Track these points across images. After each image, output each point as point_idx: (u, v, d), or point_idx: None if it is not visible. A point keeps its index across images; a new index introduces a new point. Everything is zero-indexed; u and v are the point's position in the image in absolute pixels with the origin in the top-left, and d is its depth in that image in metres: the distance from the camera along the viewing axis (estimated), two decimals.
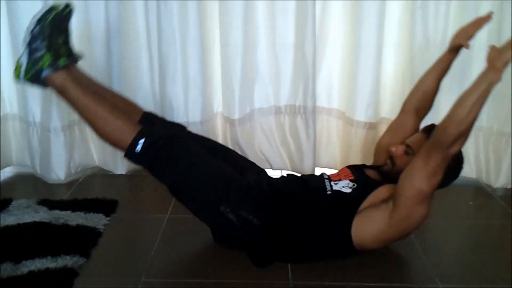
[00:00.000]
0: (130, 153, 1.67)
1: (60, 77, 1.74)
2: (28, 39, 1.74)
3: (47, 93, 2.23)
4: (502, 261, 1.75)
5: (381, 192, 1.66)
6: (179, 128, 1.93)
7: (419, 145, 1.66)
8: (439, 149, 1.48)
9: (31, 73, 1.74)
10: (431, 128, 1.70)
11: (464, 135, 1.46)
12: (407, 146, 1.72)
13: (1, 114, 2.37)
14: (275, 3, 2.22)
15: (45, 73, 1.74)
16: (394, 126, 1.99)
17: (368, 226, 1.60)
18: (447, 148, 1.47)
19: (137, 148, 1.65)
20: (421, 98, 1.93)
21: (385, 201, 1.62)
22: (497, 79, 1.43)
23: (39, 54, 1.73)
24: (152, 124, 1.86)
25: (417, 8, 2.17)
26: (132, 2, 2.24)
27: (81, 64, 2.30)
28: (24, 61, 1.75)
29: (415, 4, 2.17)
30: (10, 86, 2.36)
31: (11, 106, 2.40)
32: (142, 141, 1.65)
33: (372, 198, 1.65)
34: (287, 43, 2.27)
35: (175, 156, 1.67)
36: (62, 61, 1.76)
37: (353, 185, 1.71)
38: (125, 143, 1.66)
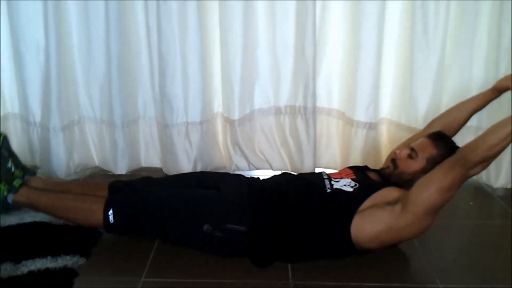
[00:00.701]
0: (107, 227, 1.75)
1: (23, 195, 1.86)
2: None
3: (47, 93, 2.24)
4: (502, 261, 1.75)
5: (385, 193, 1.66)
6: (144, 181, 1.97)
7: (423, 149, 1.68)
8: (462, 166, 1.52)
9: (0, 206, 1.84)
10: (437, 135, 1.74)
11: (489, 160, 1.53)
12: (412, 149, 1.74)
13: (2, 114, 2.37)
14: (275, 3, 2.22)
15: (10, 199, 1.84)
16: (414, 139, 1.99)
17: (369, 225, 1.60)
18: (470, 168, 1.52)
19: (110, 219, 1.72)
20: (450, 123, 1.96)
21: (390, 203, 1.61)
22: None
23: None
24: (118, 190, 1.92)
25: (417, 8, 2.17)
26: (132, 2, 2.24)
27: (81, 64, 2.32)
28: None
29: (415, 4, 2.17)
30: (10, 86, 2.36)
31: (11, 105, 2.41)
32: (111, 211, 1.72)
33: (374, 199, 1.65)
34: (287, 43, 2.27)
35: (145, 206, 1.74)
36: (17, 182, 1.87)
37: (355, 184, 1.72)
38: (100, 220, 1.74)
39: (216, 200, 1.75)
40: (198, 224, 1.67)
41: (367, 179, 1.80)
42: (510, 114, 2.20)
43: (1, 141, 1.90)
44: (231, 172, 2.42)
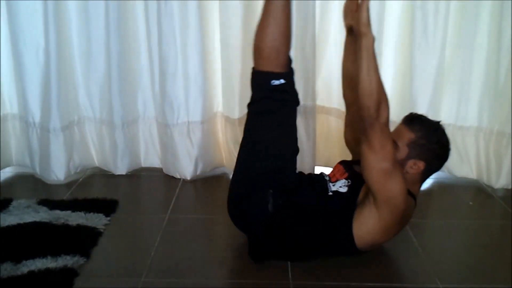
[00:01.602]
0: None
1: None
2: None
3: (47, 94, 2.24)
4: (502, 261, 1.75)
5: (363, 189, 1.66)
6: None
7: (400, 138, 1.66)
8: (371, 126, 1.51)
9: None
10: (409, 118, 1.70)
11: (381, 101, 1.51)
12: None
13: (1, 114, 2.36)
14: None
15: None
16: (347, 122, 2.00)
17: (365, 224, 1.60)
18: (376, 119, 1.51)
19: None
20: (352, 82, 1.87)
21: (366, 197, 1.62)
22: (371, 40, 1.53)
23: None
24: None
25: (417, 8, 2.17)
26: (132, 2, 2.24)
27: (81, 65, 2.31)
28: None
29: (415, 4, 2.17)
30: (10, 86, 2.36)
31: (11, 106, 2.40)
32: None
33: (361, 194, 1.65)
34: None
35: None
36: None
37: (348, 182, 1.72)
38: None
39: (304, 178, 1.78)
40: (272, 181, 1.69)
41: (355, 174, 1.78)
42: (511, 114, 2.22)
43: None
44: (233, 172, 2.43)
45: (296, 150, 1.79)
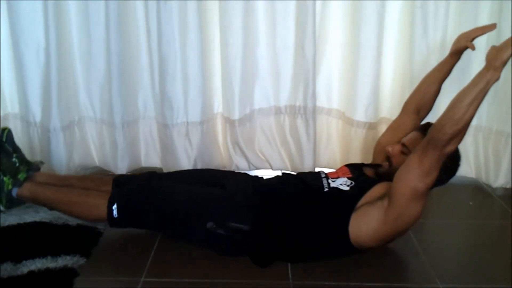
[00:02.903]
0: (111, 222, 1.75)
1: (26, 189, 1.85)
2: None
3: (47, 93, 2.24)
4: (502, 261, 1.75)
5: (377, 189, 1.66)
6: (149, 176, 1.98)
7: (415, 144, 1.66)
8: (435, 148, 1.48)
9: (5, 200, 1.83)
10: (427, 126, 1.70)
11: (460, 134, 1.46)
12: (403, 145, 1.72)
13: (2, 114, 2.37)
14: (275, 3, 2.22)
15: (14, 193, 1.84)
16: (394, 126, 2.00)
17: (365, 223, 1.61)
18: (443, 147, 1.47)
19: (114, 214, 1.73)
20: (422, 99, 1.94)
21: (380, 198, 1.62)
22: (496, 78, 1.43)
23: None
24: (123, 185, 1.91)
25: (417, 8, 2.17)
26: (132, 2, 2.24)
27: (81, 65, 2.32)
28: None
29: (415, 4, 2.17)
30: (10, 86, 2.36)
31: (12, 106, 2.41)
32: (115, 206, 1.73)
33: (368, 196, 1.65)
34: (287, 43, 2.27)
35: (149, 201, 1.74)
36: (21, 176, 1.86)
37: (351, 183, 1.72)
38: (104, 215, 1.74)
39: (220, 198, 1.75)
40: (202, 221, 1.67)
41: (363, 176, 1.80)
42: (510, 113, 2.22)
43: (5, 135, 1.90)
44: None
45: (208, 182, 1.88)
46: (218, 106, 2.43)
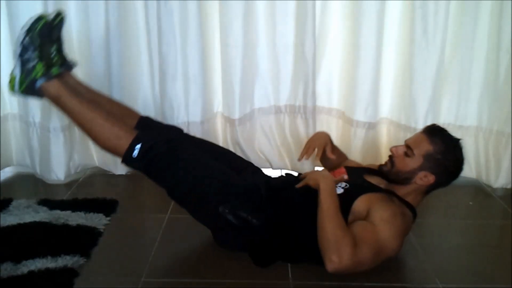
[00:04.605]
0: (127, 159, 1.69)
1: (54, 86, 1.75)
2: (19, 50, 1.74)
3: None
4: (502, 261, 1.75)
5: (361, 204, 1.64)
6: (176, 131, 1.94)
7: (418, 145, 1.66)
8: (351, 264, 1.50)
9: (26, 84, 1.74)
10: (432, 128, 1.71)
11: (341, 242, 1.49)
12: (407, 146, 1.72)
13: (1, 114, 2.36)
14: (275, 3, 2.22)
15: (39, 83, 1.74)
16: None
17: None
18: (351, 260, 1.49)
19: (134, 153, 1.66)
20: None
21: (357, 217, 1.62)
22: (327, 187, 1.61)
23: (31, 64, 1.73)
24: (149, 128, 1.87)
25: (417, 8, 2.17)
26: (132, 2, 2.24)
27: (81, 65, 2.31)
28: (17, 72, 1.75)
29: (415, 4, 2.17)
30: None
31: (11, 106, 2.40)
32: (138, 146, 1.66)
33: (358, 203, 1.64)
34: (287, 43, 2.27)
35: (172, 160, 1.69)
36: (55, 70, 1.75)
37: (346, 185, 1.71)
38: (122, 149, 1.68)
39: (240, 186, 1.72)
40: (216, 202, 1.65)
41: (360, 180, 1.79)
42: (510, 114, 2.22)
43: (58, 21, 1.79)
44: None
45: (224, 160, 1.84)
46: (218, 106, 2.43)
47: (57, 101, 1.75)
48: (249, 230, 1.65)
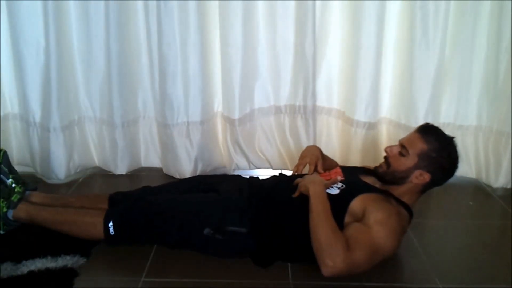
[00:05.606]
0: (109, 239, 1.73)
1: (22, 211, 1.83)
2: None
3: (47, 93, 2.24)
4: (502, 261, 1.76)
5: (357, 205, 1.64)
6: (143, 191, 1.97)
7: (413, 144, 1.66)
8: (349, 266, 1.50)
9: (2, 223, 1.81)
10: (426, 127, 1.70)
11: (334, 248, 1.49)
12: (402, 146, 1.71)
13: (2, 114, 2.36)
14: (275, 3, 2.22)
15: (10, 215, 1.82)
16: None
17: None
18: (345, 263, 1.49)
19: (110, 231, 1.71)
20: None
21: (354, 217, 1.61)
22: (318, 193, 1.63)
23: None
24: (119, 202, 1.90)
25: (417, 8, 2.17)
26: (132, 2, 2.24)
27: (81, 65, 2.32)
28: None
29: (415, 4, 2.17)
30: (10, 86, 2.36)
31: (11, 105, 2.40)
32: (111, 223, 1.72)
33: (354, 204, 1.63)
34: (287, 43, 2.27)
35: (145, 216, 1.73)
36: (15, 197, 1.84)
37: (342, 186, 1.71)
38: (100, 233, 1.73)
39: (215, 203, 1.75)
40: (198, 228, 1.67)
41: (356, 180, 1.79)
42: (510, 113, 2.22)
43: (1, 157, 1.88)
44: (231, 172, 2.43)
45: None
46: (218, 106, 2.43)
47: (31, 221, 1.83)
48: (242, 238, 1.66)
